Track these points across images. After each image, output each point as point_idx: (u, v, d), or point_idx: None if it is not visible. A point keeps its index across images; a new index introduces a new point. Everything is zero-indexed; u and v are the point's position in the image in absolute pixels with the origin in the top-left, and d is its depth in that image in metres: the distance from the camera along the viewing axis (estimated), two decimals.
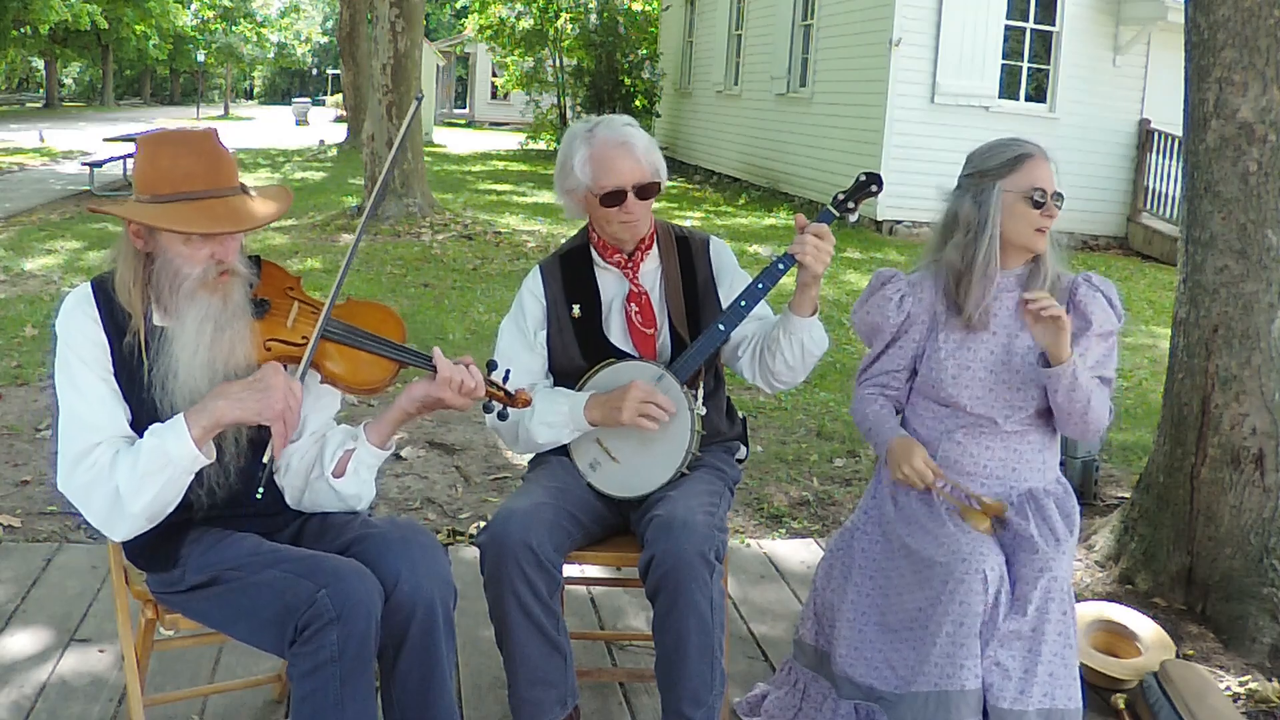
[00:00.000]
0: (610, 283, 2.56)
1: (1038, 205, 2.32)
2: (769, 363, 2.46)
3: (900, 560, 2.36)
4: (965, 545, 2.22)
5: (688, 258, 2.59)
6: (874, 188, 2.47)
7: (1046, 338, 2.24)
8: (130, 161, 14.64)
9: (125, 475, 1.91)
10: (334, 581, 1.91)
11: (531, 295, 2.57)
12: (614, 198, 2.42)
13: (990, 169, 2.36)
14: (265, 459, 1.97)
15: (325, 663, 1.87)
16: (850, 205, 2.46)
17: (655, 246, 2.58)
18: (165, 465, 1.91)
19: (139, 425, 1.99)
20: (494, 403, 2.13)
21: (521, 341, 2.54)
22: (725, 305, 2.52)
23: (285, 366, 2.12)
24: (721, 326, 2.44)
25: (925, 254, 2.51)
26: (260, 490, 1.98)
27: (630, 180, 2.42)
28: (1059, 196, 2.34)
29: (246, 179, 2.05)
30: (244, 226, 1.95)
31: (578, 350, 2.53)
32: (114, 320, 1.99)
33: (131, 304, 1.98)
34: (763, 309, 2.56)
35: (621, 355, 2.51)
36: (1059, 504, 2.41)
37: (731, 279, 2.59)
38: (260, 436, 2.06)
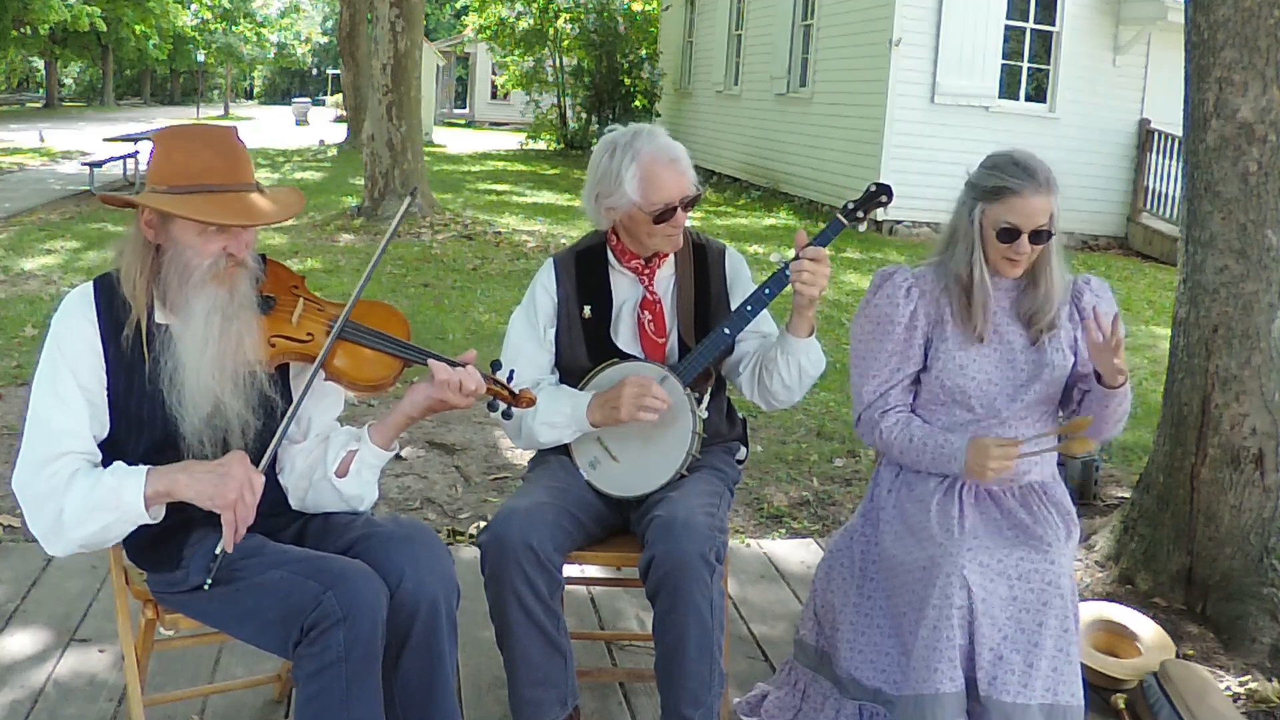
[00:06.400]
0: (624, 286, 2.56)
1: (1005, 240, 2.33)
2: (766, 382, 2.46)
3: (888, 563, 2.37)
4: (942, 548, 2.23)
5: (703, 266, 2.58)
6: (884, 198, 2.50)
7: (1105, 365, 2.28)
8: (130, 162, 14.74)
9: (76, 501, 1.90)
10: (339, 583, 1.91)
11: (544, 291, 2.56)
12: (665, 214, 2.42)
13: (979, 187, 2.38)
14: (216, 550, 1.95)
15: (331, 663, 1.87)
16: (860, 215, 2.47)
17: (672, 253, 2.57)
18: (115, 508, 1.91)
19: (140, 421, 1.99)
20: (498, 401, 2.14)
21: (531, 335, 2.54)
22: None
23: (288, 365, 2.12)
24: (726, 330, 2.45)
25: (933, 251, 2.52)
26: (208, 582, 1.95)
27: (679, 195, 2.43)
28: (1040, 234, 2.32)
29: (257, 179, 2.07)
30: (260, 221, 1.97)
31: (584, 351, 2.53)
32: (114, 318, 1.99)
33: (135, 296, 1.98)
34: (768, 325, 2.56)
35: (626, 357, 2.51)
36: (1059, 499, 2.43)
37: (744, 292, 2.57)
38: (265, 435, 2.05)
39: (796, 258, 2.33)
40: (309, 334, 2.06)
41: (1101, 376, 2.31)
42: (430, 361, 2.07)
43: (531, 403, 2.17)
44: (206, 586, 1.96)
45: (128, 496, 1.91)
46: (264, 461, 1.98)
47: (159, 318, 2.01)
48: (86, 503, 1.90)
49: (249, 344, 1.99)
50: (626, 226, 2.50)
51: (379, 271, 8.66)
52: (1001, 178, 2.33)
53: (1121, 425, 2.42)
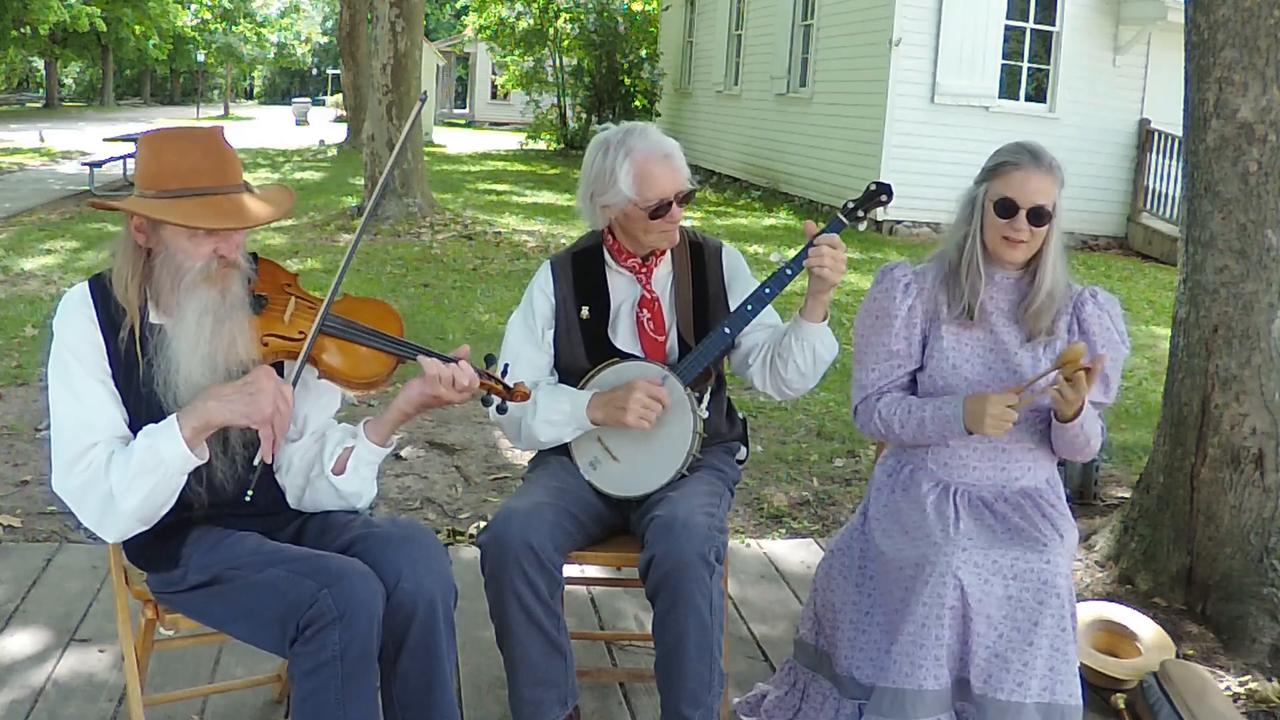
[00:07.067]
0: (621, 286, 2.56)
1: (1002, 215, 2.33)
2: (781, 370, 2.46)
3: (881, 560, 2.37)
4: (936, 547, 2.23)
5: (700, 264, 2.59)
6: (884, 197, 2.50)
7: (1066, 407, 2.26)
8: (130, 162, 14.73)
9: (118, 475, 1.91)
10: (336, 581, 1.91)
11: (542, 293, 2.57)
12: (660, 209, 2.43)
13: (984, 169, 2.41)
14: (255, 462, 1.97)
15: (327, 662, 1.87)
16: (860, 214, 2.48)
17: (669, 252, 2.57)
18: (158, 465, 1.91)
19: (138, 422, 1.99)
20: (492, 396, 2.14)
21: (529, 338, 2.55)
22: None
23: (283, 363, 2.12)
24: (727, 330, 2.45)
25: (936, 248, 2.54)
26: (250, 493, 1.98)
27: (673, 191, 2.43)
28: (1040, 215, 2.32)
29: (245, 179, 2.06)
30: (250, 223, 1.96)
31: (583, 351, 2.53)
32: (110, 318, 1.99)
33: (128, 300, 1.98)
34: (771, 317, 2.56)
35: (625, 357, 2.51)
36: (1053, 502, 2.43)
37: (744, 289, 2.57)
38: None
39: (812, 243, 2.33)
40: (301, 332, 2.06)
41: (1056, 412, 2.31)
42: (420, 357, 2.07)
43: (526, 396, 2.17)
44: (248, 498, 1.98)
45: (166, 449, 1.91)
46: (291, 375, 2.01)
47: (154, 318, 2.01)
48: (128, 473, 1.91)
49: (241, 344, 1.99)
50: (622, 224, 2.50)
51: (379, 271, 8.66)
52: (1004, 155, 2.37)
53: (1086, 452, 2.40)
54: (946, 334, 2.43)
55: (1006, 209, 2.33)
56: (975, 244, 2.39)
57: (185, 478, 1.97)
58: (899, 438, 2.46)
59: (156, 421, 1.99)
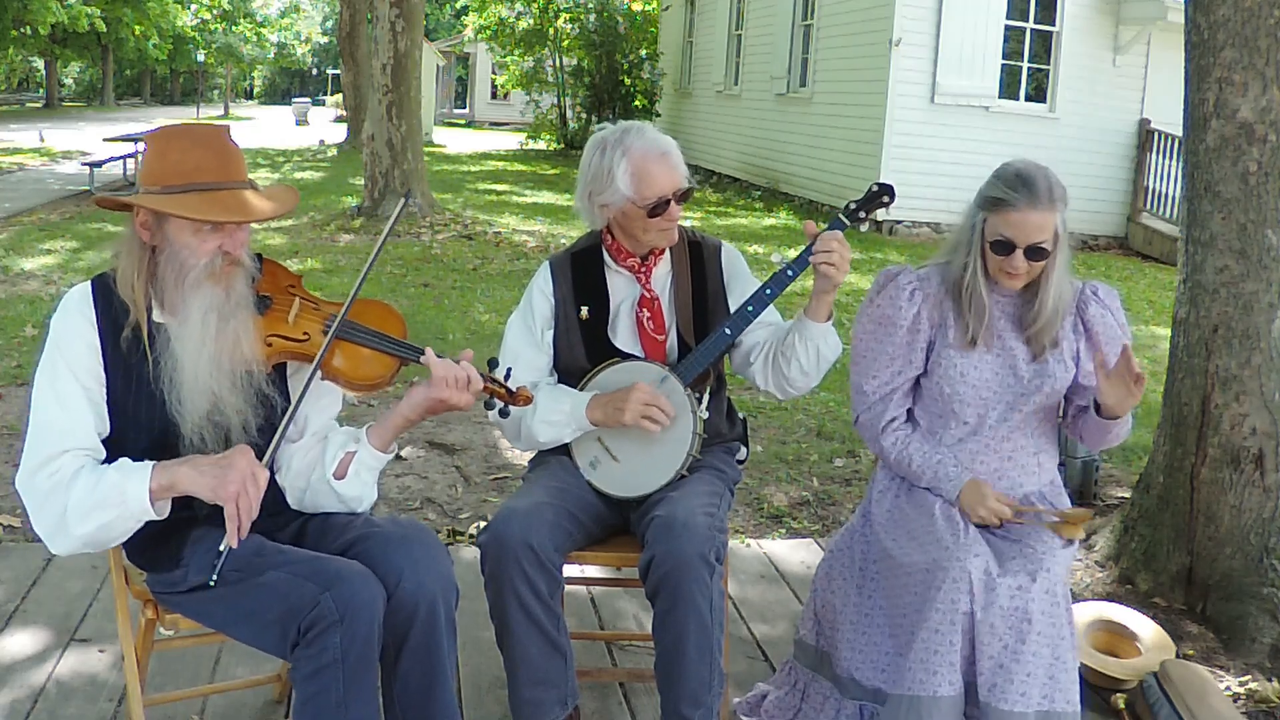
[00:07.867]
0: (620, 286, 2.56)
1: (999, 254, 2.31)
2: (783, 369, 2.46)
3: (888, 564, 2.37)
4: (946, 549, 2.22)
5: (699, 264, 2.59)
6: (886, 198, 2.50)
7: (1122, 400, 2.25)
8: (131, 162, 14.74)
9: (79, 497, 1.90)
10: (337, 584, 1.91)
11: (541, 294, 2.57)
12: (659, 208, 2.43)
13: (983, 195, 2.35)
14: (221, 547, 1.92)
15: (328, 665, 1.87)
16: (862, 215, 2.47)
17: (668, 251, 2.58)
18: (119, 503, 1.90)
19: (139, 420, 1.99)
20: (495, 400, 2.14)
21: (528, 339, 2.55)
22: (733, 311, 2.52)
23: (285, 364, 2.12)
24: (728, 331, 2.45)
25: (939, 253, 2.51)
26: (214, 578, 1.92)
27: (671, 189, 2.44)
28: (1037, 252, 2.28)
29: (250, 177, 2.07)
30: (253, 218, 1.97)
31: (583, 351, 2.53)
32: (112, 318, 1.99)
33: (134, 299, 1.98)
34: (772, 315, 2.56)
35: (626, 357, 2.51)
36: (1056, 505, 2.42)
37: (743, 288, 2.57)
38: (267, 429, 2.05)
39: (809, 247, 2.34)
40: (305, 333, 2.06)
41: (1101, 407, 2.29)
42: (428, 357, 2.06)
43: (528, 400, 2.17)
44: (212, 583, 1.93)
45: (132, 492, 1.89)
46: (266, 457, 1.98)
47: (157, 317, 2.01)
48: (89, 499, 1.89)
49: (245, 344, 1.99)
50: (621, 223, 2.51)
51: (379, 271, 8.66)
52: (1001, 189, 2.30)
53: (1122, 438, 2.41)
54: (954, 342, 2.41)
55: (1003, 248, 2.30)
56: (976, 276, 2.36)
57: (140, 525, 1.94)
58: (895, 470, 2.48)
59: (156, 421, 1.99)
